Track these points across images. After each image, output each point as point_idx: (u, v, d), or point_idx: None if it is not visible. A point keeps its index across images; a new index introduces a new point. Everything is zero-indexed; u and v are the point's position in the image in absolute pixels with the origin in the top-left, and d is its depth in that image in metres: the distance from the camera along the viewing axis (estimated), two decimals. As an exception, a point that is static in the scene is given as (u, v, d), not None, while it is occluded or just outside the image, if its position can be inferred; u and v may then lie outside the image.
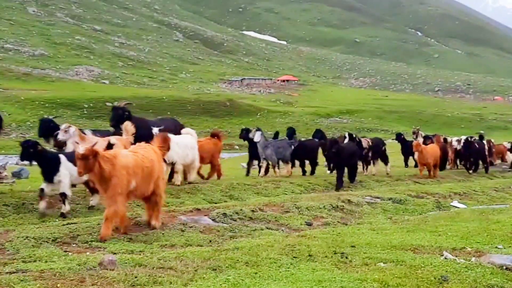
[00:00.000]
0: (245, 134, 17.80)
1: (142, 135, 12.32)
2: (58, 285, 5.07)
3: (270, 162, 17.50)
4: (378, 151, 19.70)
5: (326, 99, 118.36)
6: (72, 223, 8.14)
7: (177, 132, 14.17)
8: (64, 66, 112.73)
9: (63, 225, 8.03)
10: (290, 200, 11.51)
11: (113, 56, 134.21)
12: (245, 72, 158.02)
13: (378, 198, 12.97)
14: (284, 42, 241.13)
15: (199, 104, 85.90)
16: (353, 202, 12.11)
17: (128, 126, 12.45)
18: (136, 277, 5.38)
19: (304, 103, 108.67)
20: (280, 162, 17.78)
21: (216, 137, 16.58)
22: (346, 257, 6.52)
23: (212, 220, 9.32)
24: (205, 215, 9.50)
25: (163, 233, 8.09)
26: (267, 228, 9.25)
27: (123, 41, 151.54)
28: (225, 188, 13.78)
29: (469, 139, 22.10)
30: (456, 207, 13.13)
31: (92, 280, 5.25)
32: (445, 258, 6.50)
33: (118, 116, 13.42)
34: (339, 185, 15.82)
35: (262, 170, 17.58)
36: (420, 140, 21.96)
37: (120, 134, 12.68)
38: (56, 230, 7.57)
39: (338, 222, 10.41)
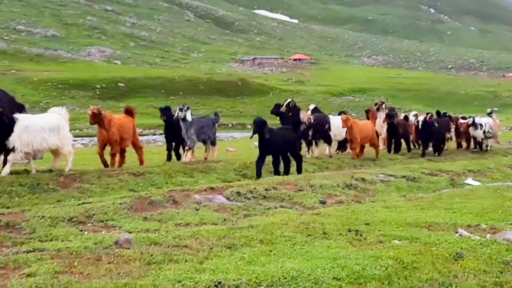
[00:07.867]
0: (170, 113, 15.24)
1: None
2: (75, 263, 5.11)
3: (187, 143, 14.72)
4: (320, 130, 17.44)
5: (338, 77, 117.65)
6: (87, 203, 8.19)
7: (10, 108, 11.54)
8: (76, 47, 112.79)
9: (78, 204, 8.08)
10: (304, 179, 11.51)
11: (125, 37, 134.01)
12: (256, 51, 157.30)
13: (391, 176, 12.96)
14: (296, 21, 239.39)
15: (211, 84, 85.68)
16: (366, 180, 12.11)
17: None
18: (151, 255, 5.42)
19: (316, 82, 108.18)
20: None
21: (129, 114, 14.52)
22: (361, 235, 6.53)
23: (226, 198, 9.35)
24: (219, 194, 9.54)
25: (177, 212, 8.13)
26: (281, 206, 9.27)
27: (134, 21, 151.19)
28: (238, 167, 13.80)
29: (427, 117, 19.70)
30: (470, 184, 13.09)
31: (108, 259, 5.30)
32: (460, 235, 6.48)
33: None
34: (258, 175, 12.93)
35: (189, 153, 14.80)
36: (383, 115, 19.44)
37: None
38: (71, 210, 7.62)
39: (352, 200, 10.42)
